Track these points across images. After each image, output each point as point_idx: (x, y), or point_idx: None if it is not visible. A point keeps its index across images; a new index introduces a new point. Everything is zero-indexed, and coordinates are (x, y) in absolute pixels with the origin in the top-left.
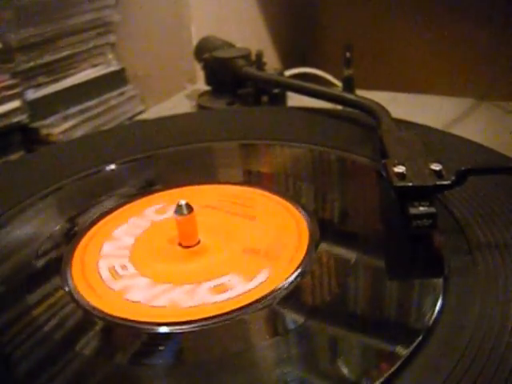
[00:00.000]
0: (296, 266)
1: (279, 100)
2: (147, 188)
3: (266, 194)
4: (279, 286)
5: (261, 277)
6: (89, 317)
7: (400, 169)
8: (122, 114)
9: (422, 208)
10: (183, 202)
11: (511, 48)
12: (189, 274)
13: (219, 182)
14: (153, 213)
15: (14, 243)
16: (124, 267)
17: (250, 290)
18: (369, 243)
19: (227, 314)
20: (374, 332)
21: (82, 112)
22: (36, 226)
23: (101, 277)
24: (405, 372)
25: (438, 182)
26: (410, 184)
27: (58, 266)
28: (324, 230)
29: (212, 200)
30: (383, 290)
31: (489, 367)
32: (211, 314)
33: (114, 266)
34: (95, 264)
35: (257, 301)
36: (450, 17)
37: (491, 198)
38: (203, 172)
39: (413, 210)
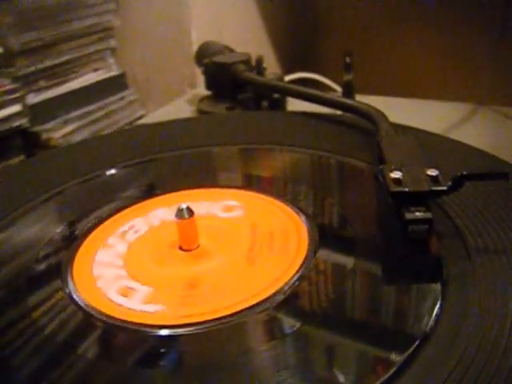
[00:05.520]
0: (295, 270)
1: (279, 105)
2: (148, 192)
3: (266, 197)
4: (278, 291)
5: (260, 280)
6: (89, 319)
7: (397, 174)
8: (122, 119)
9: (418, 213)
10: (184, 206)
11: (510, 53)
12: (189, 276)
13: (219, 186)
14: (153, 216)
15: (14, 247)
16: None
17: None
18: (367, 248)
19: (225, 317)
20: (371, 337)
21: (82, 116)
22: (36, 230)
23: (102, 279)
24: (402, 378)
25: (434, 188)
26: (406, 189)
27: (58, 269)
28: (323, 234)
29: (212, 204)
30: (381, 295)
31: (486, 373)
32: (210, 318)
33: (114, 269)
34: (97, 266)
35: (255, 305)
36: (449, 22)
37: (490, 203)
38: (203, 176)
39: (409, 216)
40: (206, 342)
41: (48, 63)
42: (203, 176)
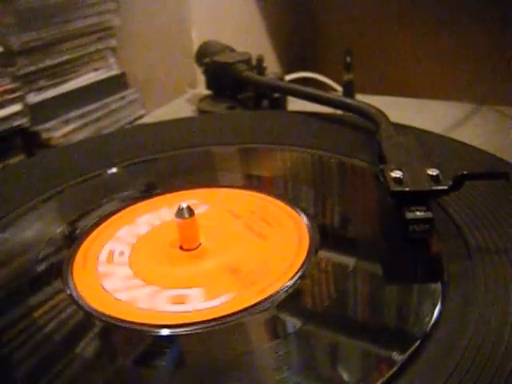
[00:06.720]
0: (296, 270)
1: (280, 104)
2: (148, 192)
3: (266, 197)
4: (278, 290)
5: (261, 278)
6: (89, 319)
7: (397, 174)
8: (122, 118)
9: (418, 213)
10: (184, 206)
11: (511, 52)
12: (187, 276)
13: (220, 186)
14: (154, 216)
15: (15, 246)
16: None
17: (250, 292)
18: (368, 248)
19: (225, 317)
20: (372, 337)
21: (82, 116)
22: (37, 229)
23: (102, 279)
24: (402, 377)
25: (435, 187)
26: (407, 189)
27: (59, 268)
28: (324, 234)
29: (213, 203)
30: (382, 295)
31: (487, 373)
32: (209, 318)
33: (115, 268)
34: (97, 266)
35: (255, 305)
36: (449, 22)
37: (490, 202)
38: (203, 176)
39: (409, 215)
40: (206, 341)
41: (48, 62)
42: (203, 176)
